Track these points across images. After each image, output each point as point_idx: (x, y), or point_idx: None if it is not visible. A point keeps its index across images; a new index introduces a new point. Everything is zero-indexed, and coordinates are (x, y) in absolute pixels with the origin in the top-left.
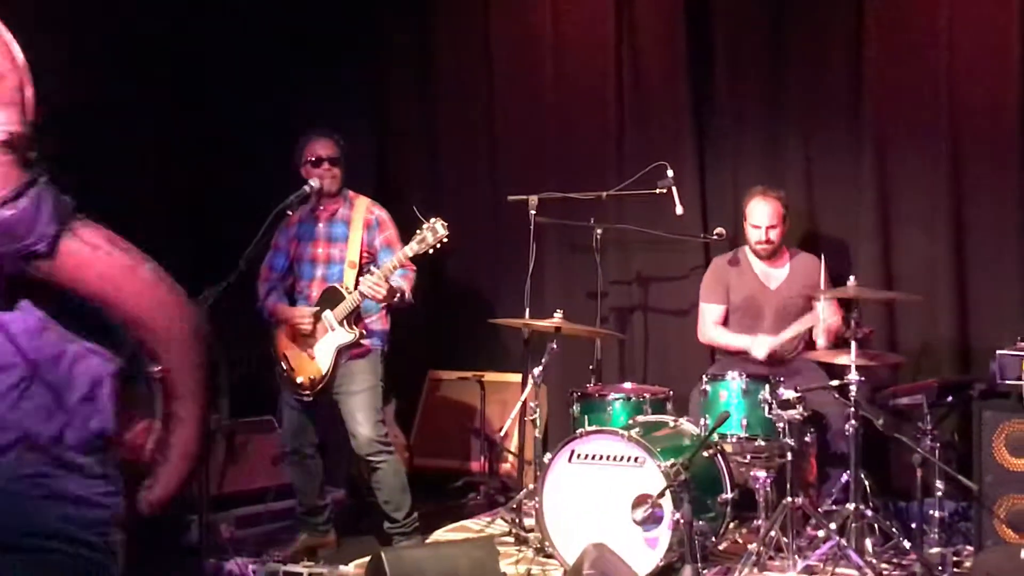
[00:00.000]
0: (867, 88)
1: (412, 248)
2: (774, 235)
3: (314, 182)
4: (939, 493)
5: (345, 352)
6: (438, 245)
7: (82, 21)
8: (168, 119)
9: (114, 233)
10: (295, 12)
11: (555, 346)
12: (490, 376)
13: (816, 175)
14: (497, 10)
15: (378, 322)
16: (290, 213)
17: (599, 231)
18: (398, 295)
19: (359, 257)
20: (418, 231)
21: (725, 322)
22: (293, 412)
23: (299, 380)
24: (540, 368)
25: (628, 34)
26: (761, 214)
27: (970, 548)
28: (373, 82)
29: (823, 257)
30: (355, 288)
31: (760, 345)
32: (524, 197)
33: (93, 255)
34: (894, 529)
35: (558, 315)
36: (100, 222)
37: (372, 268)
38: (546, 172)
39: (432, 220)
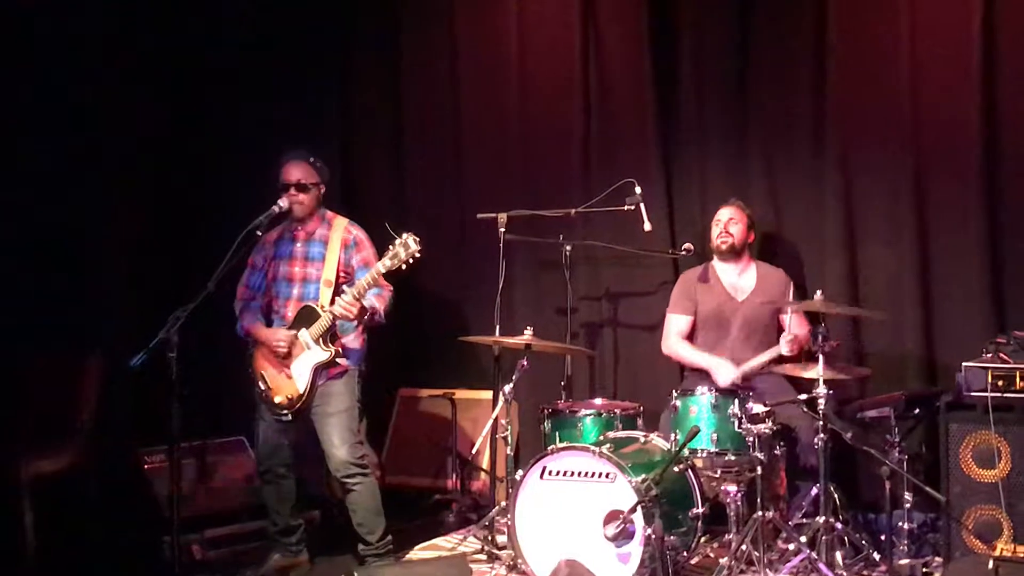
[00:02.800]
0: (831, 106)
1: (384, 264)
2: (734, 229)
3: (283, 203)
4: (908, 505)
5: (322, 371)
6: (411, 260)
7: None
8: (141, 130)
9: None
10: (264, 27)
11: (526, 363)
12: (461, 393)
13: (782, 191)
14: (464, 29)
15: (355, 341)
16: (259, 233)
17: (568, 248)
18: (369, 314)
19: (336, 276)
20: (390, 247)
21: (691, 335)
22: (269, 431)
23: (277, 400)
24: (511, 385)
25: (594, 54)
26: (722, 213)
27: (939, 559)
28: (340, 100)
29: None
30: (330, 306)
31: (725, 373)
32: (493, 215)
33: None
34: (864, 541)
35: (528, 332)
36: (67, 240)
37: (345, 287)
38: (514, 190)
39: (404, 235)
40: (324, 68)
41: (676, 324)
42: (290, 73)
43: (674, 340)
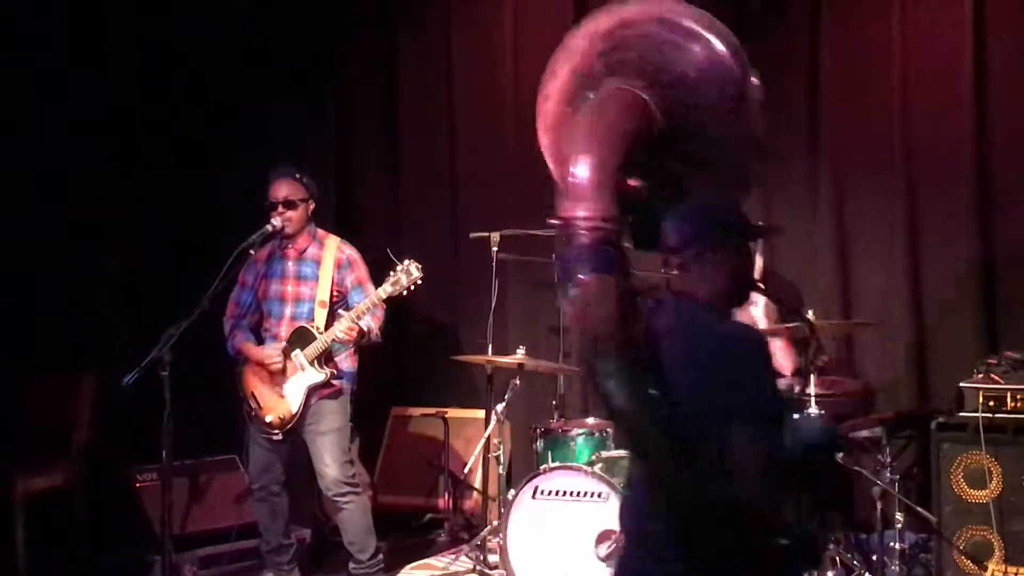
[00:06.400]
0: (824, 121)
1: (386, 290)
2: None
3: (275, 222)
4: (899, 525)
5: (315, 391)
6: (412, 287)
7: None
8: (134, 147)
9: None
10: (260, 44)
11: (518, 382)
12: (454, 412)
13: (774, 208)
14: (460, 49)
15: (347, 361)
16: (252, 252)
17: None
18: (367, 336)
19: (329, 296)
20: (392, 273)
21: None
22: (260, 450)
23: (268, 419)
24: (503, 404)
25: None
26: None
27: None
28: (336, 118)
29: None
30: (326, 328)
31: None
32: (486, 234)
33: None
34: (855, 561)
35: (521, 351)
36: (61, 261)
37: (341, 312)
38: (508, 209)
39: (406, 262)
40: (320, 87)
41: None
42: (286, 92)
43: None
